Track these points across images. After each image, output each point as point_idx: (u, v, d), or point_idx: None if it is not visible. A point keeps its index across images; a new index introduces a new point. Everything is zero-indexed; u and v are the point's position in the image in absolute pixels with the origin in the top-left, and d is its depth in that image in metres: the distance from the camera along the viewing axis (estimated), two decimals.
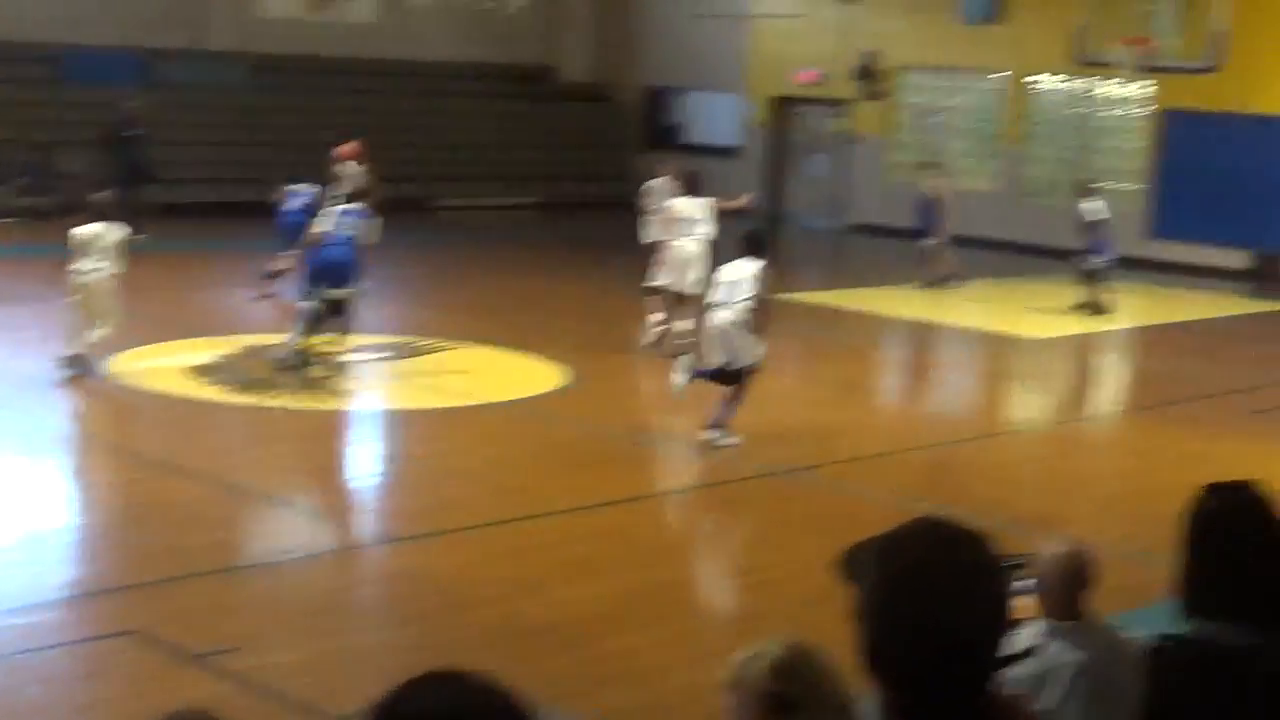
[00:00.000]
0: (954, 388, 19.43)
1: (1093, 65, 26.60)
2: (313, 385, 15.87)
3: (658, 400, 16.60)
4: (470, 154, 33.35)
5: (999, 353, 21.25)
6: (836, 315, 22.60)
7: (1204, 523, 4.81)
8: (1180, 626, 4.77)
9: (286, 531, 11.76)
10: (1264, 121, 27.89)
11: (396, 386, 16.77)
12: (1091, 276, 22.88)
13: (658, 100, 37.22)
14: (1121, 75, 26.42)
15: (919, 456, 14.82)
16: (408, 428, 15.19)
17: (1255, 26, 27.03)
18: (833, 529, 12.51)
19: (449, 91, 34.35)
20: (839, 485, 13.26)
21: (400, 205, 30.57)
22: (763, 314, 14.05)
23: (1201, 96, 27.68)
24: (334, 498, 13.03)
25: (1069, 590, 5.94)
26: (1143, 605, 8.58)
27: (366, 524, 12.34)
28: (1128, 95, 30.20)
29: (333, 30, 32.47)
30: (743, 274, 14.16)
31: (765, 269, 14.14)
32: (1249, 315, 24.76)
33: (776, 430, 15.42)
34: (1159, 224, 27.98)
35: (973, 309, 23.81)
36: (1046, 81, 31.32)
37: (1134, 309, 23.78)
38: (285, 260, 19.37)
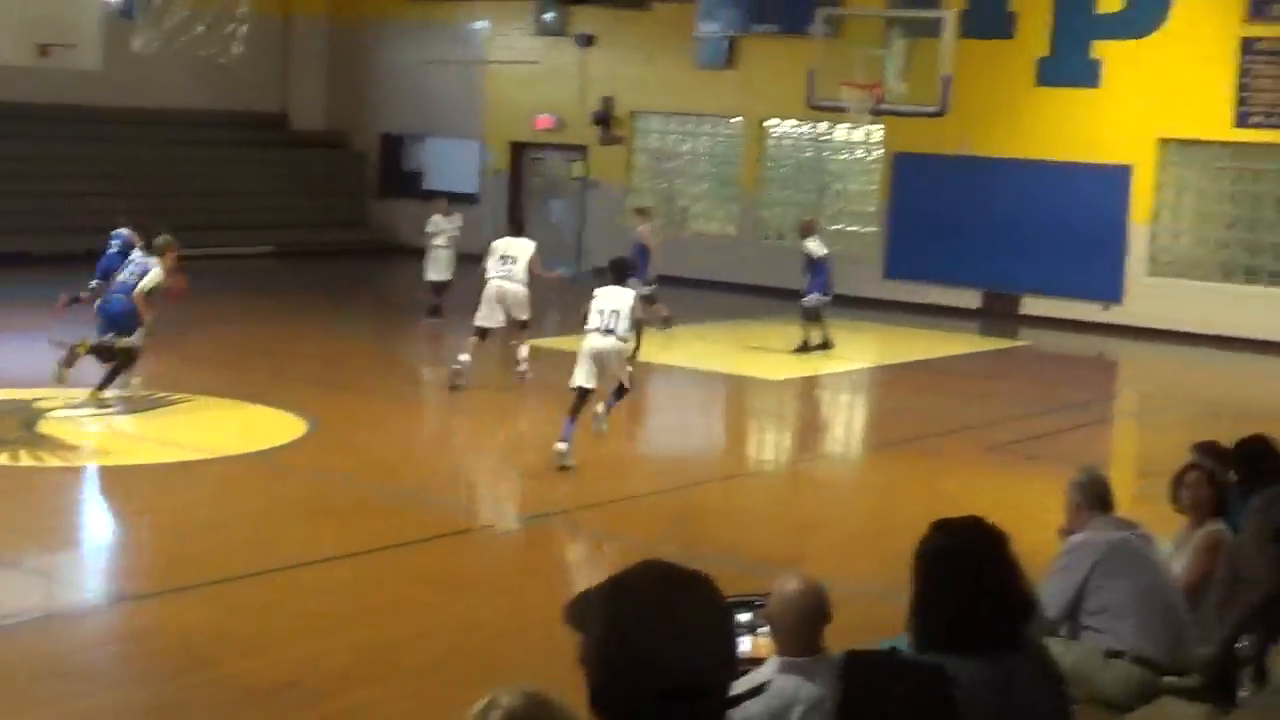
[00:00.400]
0: (695, 431, 19.51)
1: (825, 110, 27.03)
2: (44, 441, 15.36)
3: (398, 448, 16.41)
4: (205, 202, 32.74)
5: (738, 394, 21.42)
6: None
7: (931, 559, 4.85)
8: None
9: (12, 595, 11.31)
10: (989, 163, 28.65)
11: (131, 441, 16.29)
12: (812, 315, 23.17)
13: (395, 147, 36.99)
14: (852, 119, 26.89)
15: (660, 500, 14.80)
16: (144, 483, 14.72)
17: (977, 71, 27.76)
18: (573, 576, 12.47)
19: (182, 140, 33.72)
20: (580, 531, 13.19)
21: None
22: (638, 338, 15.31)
23: (929, 140, 28.34)
24: (66, 557, 12.57)
25: (803, 627, 5.90)
26: (884, 640, 8.61)
27: (101, 583, 11.91)
28: (860, 139, 30.82)
29: (58, 78, 31.64)
30: (621, 302, 15.37)
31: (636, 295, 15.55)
32: (980, 353, 25.34)
33: (517, 476, 15.31)
34: (892, 265, 28.56)
35: (713, 351, 23.98)
36: (782, 126, 31.83)
37: (870, 348, 24.19)
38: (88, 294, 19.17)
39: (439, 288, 25.12)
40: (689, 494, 15.10)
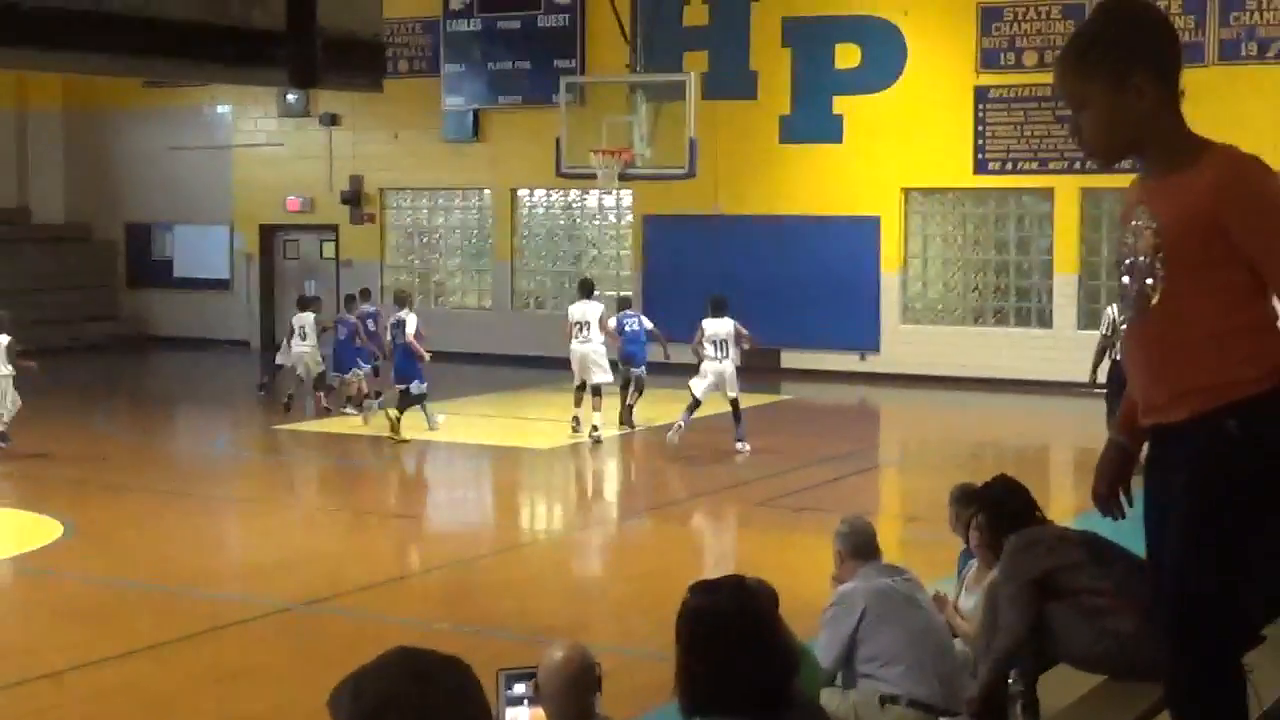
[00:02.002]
0: (467, 504, 19.39)
1: (575, 177, 27.16)
2: None
3: (164, 543, 16.05)
4: None
5: (507, 466, 21.33)
6: (340, 441, 22.34)
7: (691, 621, 4.86)
8: None
9: None
10: (740, 221, 29.06)
11: None
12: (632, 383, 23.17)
13: (142, 236, 36.34)
14: (603, 185, 27.05)
15: (435, 577, 14.69)
16: None
17: (723, 132, 28.18)
18: (344, 662, 12.26)
19: None
20: (356, 615, 13.00)
21: None
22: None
23: (680, 201, 28.63)
24: None
25: (571, 694, 5.85)
26: (663, 704, 8.60)
27: None
28: (611, 204, 31.05)
29: None
30: (589, 314, 21.86)
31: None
32: (742, 410, 25.55)
33: (286, 564, 15.07)
34: (660, 328, 28.74)
35: (477, 424, 23.88)
36: (533, 195, 31.95)
37: (636, 411, 24.24)
38: None
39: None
40: (464, 569, 14.99)
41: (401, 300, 23.24)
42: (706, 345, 20.86)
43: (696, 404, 20.85)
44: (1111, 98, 4.26)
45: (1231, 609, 4.43)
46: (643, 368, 22.77)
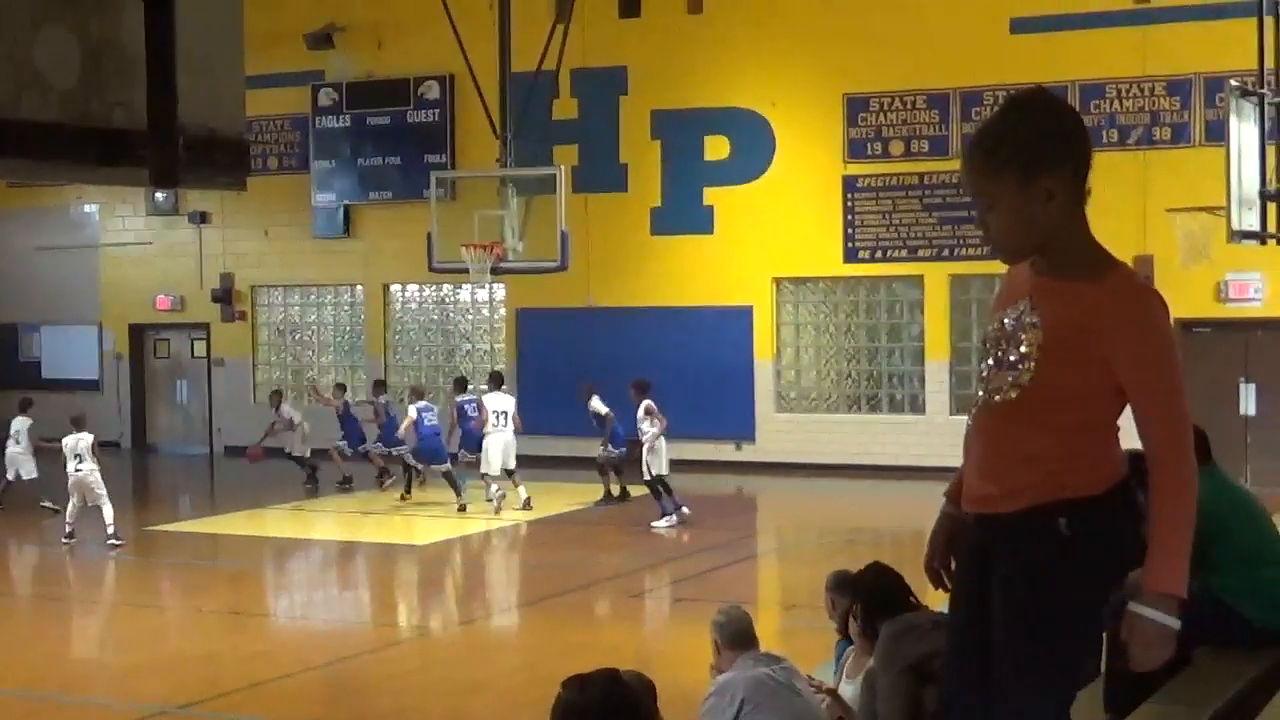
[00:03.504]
0: (343, 603, 19.21)
1: (447, 271, 27.13)
2: None
3: (34, 647, 15.76)
4: None
5: (384, 562, 21.17)
6: (214, 541, 22.09)
7: (563, 716, 4.84)
8: None
9: None
10: (614, 313, 29.14)
11: None
12: (610, 467, 24.63)
13: (8, 336, 35.84)
14: (475, 279, 27.04)
15: (315, 676, 14.51)
16: None
17: (594, 224, 28.32)
18: None
19: None
20: (234, 717, 12.81)
21: None
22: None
23: (553, 294, 28.69)
24: None
25: None
26: None
27: None
28: (484, 298, 31.05)
29: None
30: (508, 404, 23.82)
31: None
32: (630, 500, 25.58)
33: (160, 666, 14.84)
34: (525, 421, 28.70)
35: (353, 521, 23.71)
36: (405, 290, 31.90)
37: (513, 505, 24.17)
38: None
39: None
40: (343, 668, 14.82)
41: (418, 393, 25.87)
42: (657, 423, 22.61)
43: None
44: (1020, 198, 4.22)
45: (1054, 690, 4.48)
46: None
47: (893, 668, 6.82)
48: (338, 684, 14.33)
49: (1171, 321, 4.36)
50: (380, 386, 27.96)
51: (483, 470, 23.73)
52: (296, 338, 33.31)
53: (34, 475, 24.33)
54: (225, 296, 32.96)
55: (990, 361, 4.48)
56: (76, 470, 20.75)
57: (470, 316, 31.69)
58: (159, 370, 34.39)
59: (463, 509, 23.60)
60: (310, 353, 33.16)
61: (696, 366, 28.73)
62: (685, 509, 22.35)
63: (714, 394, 28.71)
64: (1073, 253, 4.31)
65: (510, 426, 24.01)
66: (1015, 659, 4.45)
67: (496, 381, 25.06)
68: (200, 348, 33.81)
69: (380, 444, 26.32)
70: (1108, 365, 4.23)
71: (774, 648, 8.86)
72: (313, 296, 33.05)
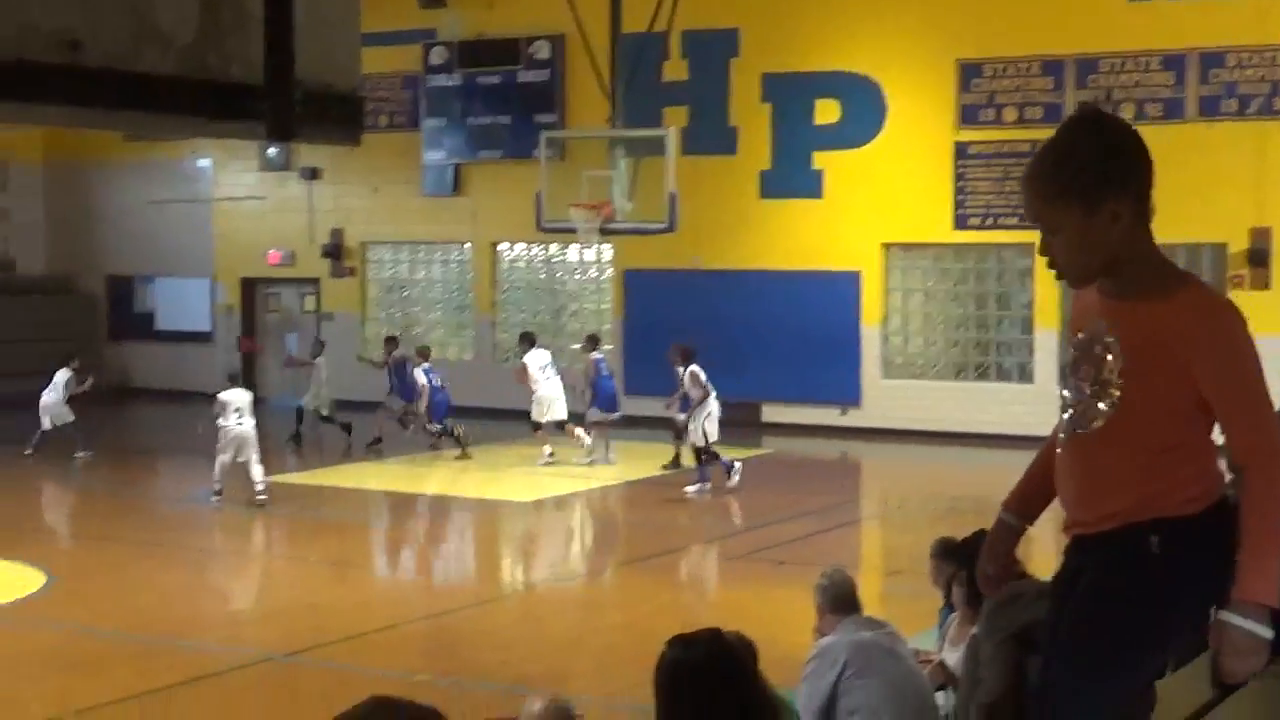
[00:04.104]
0: (447, 557, 19.38)
1: (555, 231, 27.19)
2: None
3: (145, 593, 16.01)
4: None
5: (488, 518, 21.32)
6: (320, 493, 22.31)
7: (669, 675, 4.86)
8: None
9: None
10: (720, 276, 29.10)
11: None
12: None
13: (124, 289, 36.33)
14: (583, 240, 27.10)
15: (417, 629, 14.66)
16: None
17: (703, 186, 28.23)
18: (331, 712, 12.20)
19: None
20: (338, 666, 12.96)
21: None
22: None
23: (659, 256, 28.67)
24: None
25: None
26: None
27: None
28: (591, 258, 31.10)
29: None
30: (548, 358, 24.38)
31: None
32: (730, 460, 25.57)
33: (270, 614, 15.04)
34: (630, 381, 28.73)
35: (457, 476, 23.87)
36: (513, 249, 32.00)
37: (616, 465, 24.25)
38: None
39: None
40: (444, 621, 14.97)
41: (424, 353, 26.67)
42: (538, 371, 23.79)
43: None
44: (1084, 222, 4.16)
45: (1099, 701, 4.39)
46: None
47: (996, 635, 6.78)
48: (438, 637, 14.47)
49: (1248, 329, 4.25)
50: (392, 343, 27.94)
51: (541, 419, 24.53)
52: (405, 294, 33.51)
53: (70, 420, 24.65)
54: (335, 252, 33.20)
55: (1071, 389, 4.42)
56: (238, 424, 20.60)
57: (577, 276, 31.74)
58: (269, 324, 34.72)
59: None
60: (418, 309, 33.33)
61: (802, 331, 28.65)
62: (738, 464, 22.13)
63: (820, 359, 28.62)
64: (1141, 272, 4.23)
65: (555, 375, 24.76)
66: (1071, 660, 4.38)
67: (529, 341, 25.59)
68: (310, 302, 34.10)
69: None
70: (1189, 382, 4.16)
71: (876, 613, 8.85)
72: (421, 254, 33.22)
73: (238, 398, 20.72)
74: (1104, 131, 4.22)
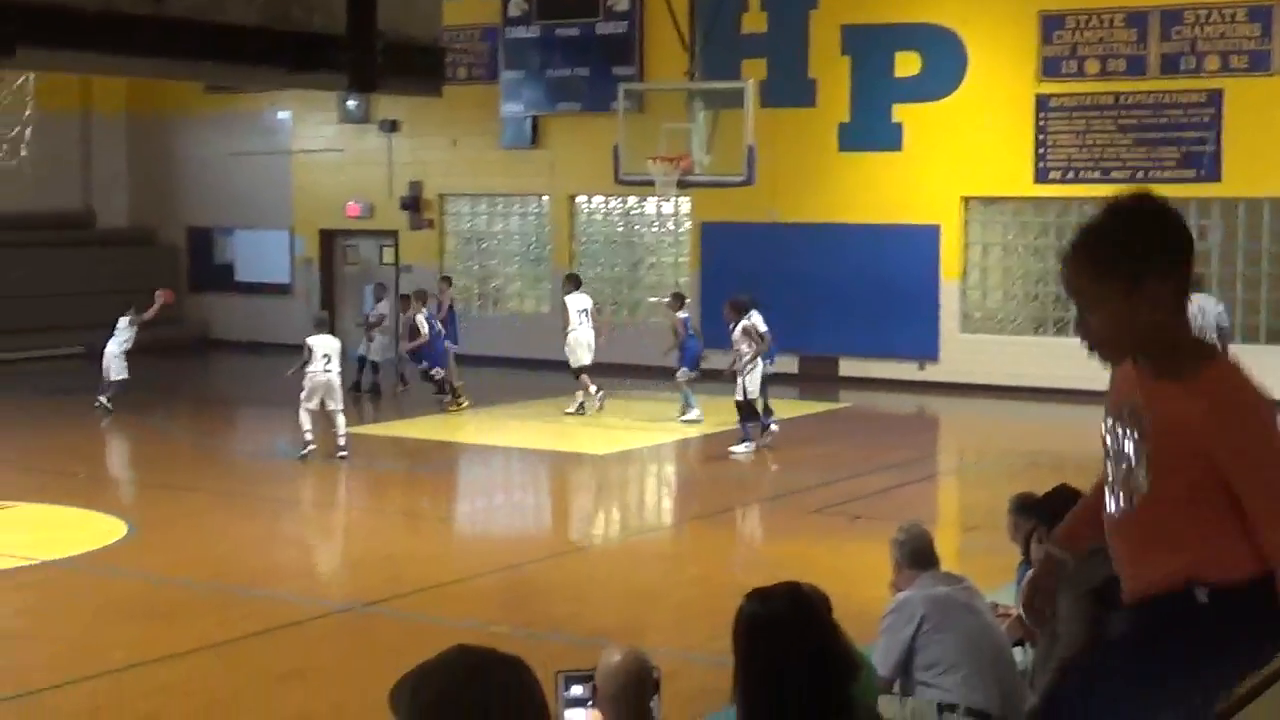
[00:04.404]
0: (523, 509, 19.45)
1: (633, 184, 27.18)
2: None
3: (224, 543, 16.16)
4: (8, 305, 32.14)
5: (564, 470, 21.38)
6: (396, 444, 22.42)
7: (747, 628, 4.86)
8: None
9: None
10: (798, 229, 29.00)
11: None
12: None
13: (204, 240, 36.57)
14: (661, 192, 27.08)
15: (493, 580, 14.73)
16: None
17: (781, 139, 28.12)
18: (402, 662, 12.31)
19: None
20: (414, 616, 13.05)
21: None
22: None
23: (738, 209, 28.61)
24: None
25: (627, 696, 5.83)
26: (720, 709, 8.61)
27: None
28: (669, 211, 31.05)
29: None
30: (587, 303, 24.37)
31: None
32: (801, 417, 25.52)
33: (346, 565, 15.15)
34: (707, 335, 28.72)
35: (533, 429, 23.94)
36: (591, 202, 31.99)
37: (699, 419, 24.26)
38: None
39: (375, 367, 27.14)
40: (520, 573, 15.03)
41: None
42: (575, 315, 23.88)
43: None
44: (1124, 303, 4.15)
45: None
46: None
47: (1074, 591, 6.76)
48: (514, 589, 14.54)
49: (1273, 413, 4.19)
50: (446, 282, 28.28)
51: (573, 364, 24.79)
52: (483, 247, 33.58)
53: (124, 377, 24.71)
54: (413, 204, 33.29)
55: (1111, 464, 4.44)
56: (326, 371, 20.46)
57: (655, 229, 31.71)
58: (348, 276, 34.87)
59: (458, 406, 24.96)
60: (495, 262, 33.40)
61: (881, 284, 28.55)
62: (775, 426, 21.88)
63: (898, 312, 28.51)
64: (1172, 353, 4.23)
65: (590, 323, 25.00)
66: (1096, 682, 4.39)
67: (574, 283, 25.72)
68: (388, 254, 34.22)
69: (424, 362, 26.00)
70: (1215, 468, 4.14)
71: (953, 568, 8.83)
72: (499, 206, 33.26)
73: (327, 344, 20.70)
74: (1149, 216, 4.24)
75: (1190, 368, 4.19)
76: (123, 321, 25.03)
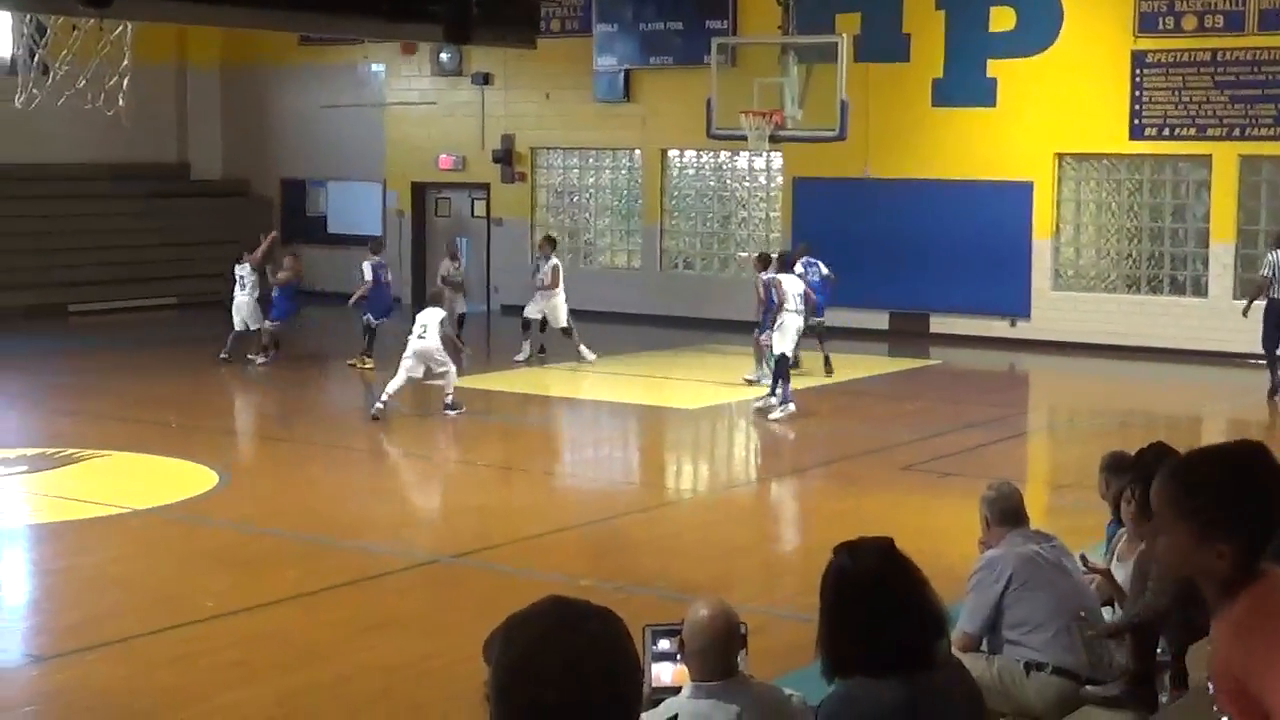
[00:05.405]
0: (613, 463, 19.50)
1: (725, 139, 27.13)
2: None
3: (314, 494, 16.30)
4: (104, 256, 32.50)
5: (654, 425, 21.42)
6: (488, 397, 22.52)
7: (834, 582, 4.85)
8: (829, 685, 4.79)
9: None
10: (890, 185, 28.86)
11: (39, 499, 16.07)
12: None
13: (296, 192, 36.79)
14: (753, 147, 27.01)
15: (582, 533, 14.79)
16: (54, 540, 14.51)
17: (875, 94, 27.98)
18: (492, 614, 12.37)
19: (78, 193, 33.42)
20: (503, 568, 13.13)
21: (34, 311, 29.70)
22: None
23: (830, 164, 28.49)
24: None
25: (714, 651, 5.82)
26: (807, 664, 8.61)
27: (14, 644, 11.71)
28: (761, 166, 30.96)
29: None
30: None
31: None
32: (891, 374, 25.47)
33: (437, 516, 15.26)
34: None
35: (623, 383, 23.99)
36: (683, 156, 31.94)
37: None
38: None
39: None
40: (610, 526, 15.08)
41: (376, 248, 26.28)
42: (790, 299, 20.83)
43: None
44: (1190, 548, 4.00)
45: None
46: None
47: None
48: (603, 542, 14.59)
49: None
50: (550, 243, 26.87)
51: (563, 325, 25.08)
52: (574, 200, 33.61)
53: (261, 324, 24.87)
54: (505, 158, 33.35)
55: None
56: (420, 338, 20.40)
57: (747, 184, 31.62)
58: (439, 228, 34.99)
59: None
60: (587, 215, 33.44)
61: (973, 241, 28.37)
62: (791, 406, 20.63)
63: (990, 269, 28.34)
64: (1221, 590, 4.03)
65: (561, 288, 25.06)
66: None
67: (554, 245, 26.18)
68: (480, 207, 34.31)
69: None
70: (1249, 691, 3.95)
71: (1043, 526, 8.79)
72: (591, 160, 33.26)
73: (425, 316, 20.67)
74: (1247, 477, 4.05)
75: (1230, 598, 4.01)
76: (243, 270, 25.17)
